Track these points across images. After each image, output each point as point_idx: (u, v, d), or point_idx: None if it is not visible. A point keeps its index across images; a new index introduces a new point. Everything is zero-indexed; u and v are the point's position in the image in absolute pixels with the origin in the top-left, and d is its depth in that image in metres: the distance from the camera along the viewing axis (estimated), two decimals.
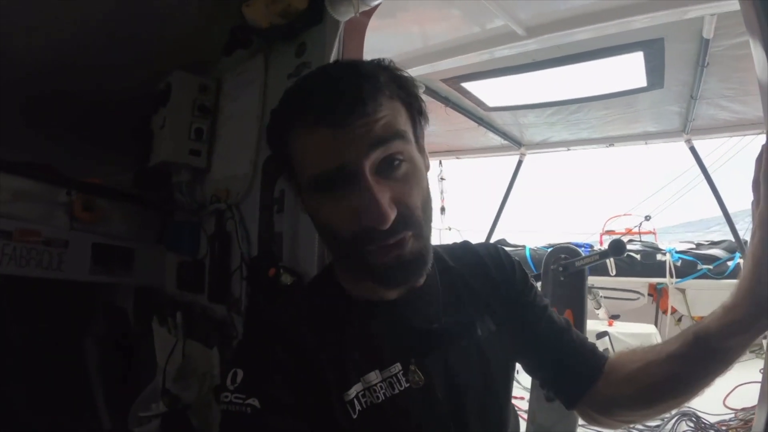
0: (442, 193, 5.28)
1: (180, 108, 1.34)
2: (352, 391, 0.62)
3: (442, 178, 5.09)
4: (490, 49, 1.71)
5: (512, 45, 1.67)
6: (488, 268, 0.80)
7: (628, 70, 1.90)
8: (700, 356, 0.62)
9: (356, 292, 0.69)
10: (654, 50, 1.71)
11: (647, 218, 4.14)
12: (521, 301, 0.79)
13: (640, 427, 2.11)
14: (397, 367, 0.66)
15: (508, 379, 0.77)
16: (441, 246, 0.83)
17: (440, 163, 4.35)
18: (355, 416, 0.61)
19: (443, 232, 5.48)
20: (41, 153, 1.53)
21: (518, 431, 0.89)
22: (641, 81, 1.97)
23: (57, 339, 1.89)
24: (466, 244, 0.84)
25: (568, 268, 1.91)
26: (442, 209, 5.49)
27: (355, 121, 0.56)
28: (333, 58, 0.97)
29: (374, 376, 0.64)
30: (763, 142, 0.58)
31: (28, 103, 1.57)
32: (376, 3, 0.90)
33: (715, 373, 0.63)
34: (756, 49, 0.58)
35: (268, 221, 1.03)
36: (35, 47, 1.36)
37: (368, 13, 1.01)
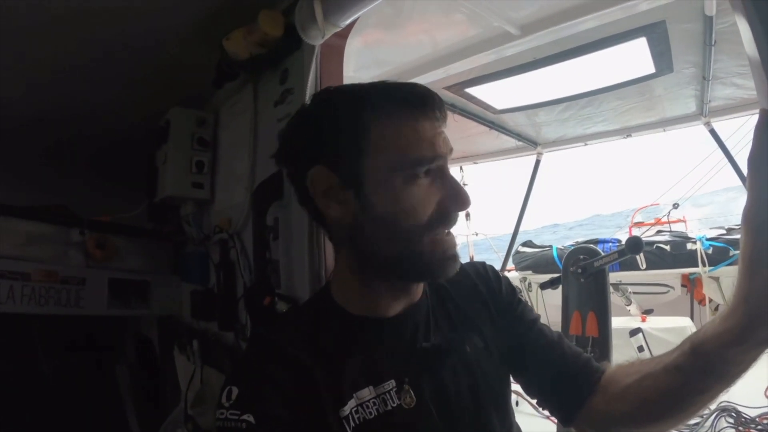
0: None
1: (180, 143, 1.39)
2: (347, 408, 0.62)
3: (464, 184, 5.02)
4: (486, 53, 1.69)
5: (508, 45, 1.63)
6: (476, 286, 0.80)
7: (633, 58, 1.84)
8: (696, 368, 0.58)
9: (354, 310, 0.70)
10: (657, 34, 1.64)
11: (675, 206, 3.97)
12: (509, 315, 0.79)
13: (678, 426, 2.00)
14: (392, 383, 0.66)
15: (501, 397, 0.75)
16: None
17: (461, 168, 4.29)
18: None
19: (470, 237, 5.41)
20: (58, 193, 1.61)
21: None
22: (649, 67, 1.89)
23: (91, 368, 1.99)
24: None
25: (587, 269, 1.85)
26: (467, 215, 5.41)
27: (443, 123, 0.66)
28: (311, 82, 0.98)
29: (367, 392, 0.65)
30: None
31: (45, 149, 1.67)
32: (347, 23, 0.90)
33: (714, 389, 0.58)
34: (741, 24, 0.57)
35: (262, 249, 1.04)
36: (44, 98, 1.45)
37: (343, 35, 1.01)
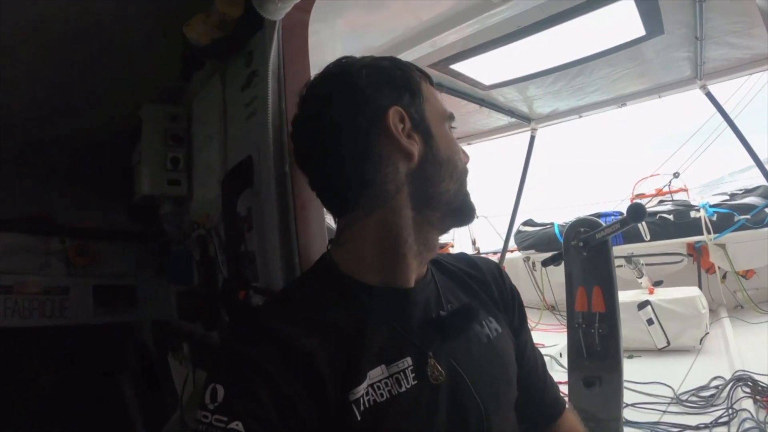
0: None
1: (153, 141, 1.33)
2: (360, 389, 0.57)
3: None
4: (468, 23, 1.62)
5: (489, 14, 1.57)
6: (488, 282, 0.81)
7: (621, 21, 1.78)
8: None
9: (369, 279, 0.65)
10: None
11: (676, 175, 3.89)
12: (514, 324, 0.80)
13: (693, 399, 1.96)
14: (407, 362, 0.61)
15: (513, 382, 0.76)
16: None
17: None
18: (359, 418, 0.55)
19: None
20: (38, 203, 1.57)
21: None
22: (638, 30, 1.83)
23: (93, 379, 1.96)
24: (462, 254, 0.88)
25: (589, 241, 1.80)
26: None
27: None
28: (273, 59, 0.93)
29: (379, 372, 0.59)
30: None
31: (17, 157, 1.62)
32: None
33: None
34: None
35: (236, 241, 0.99)
36: (17, 101, 1.41)
37: (305, 8, 0.95)
